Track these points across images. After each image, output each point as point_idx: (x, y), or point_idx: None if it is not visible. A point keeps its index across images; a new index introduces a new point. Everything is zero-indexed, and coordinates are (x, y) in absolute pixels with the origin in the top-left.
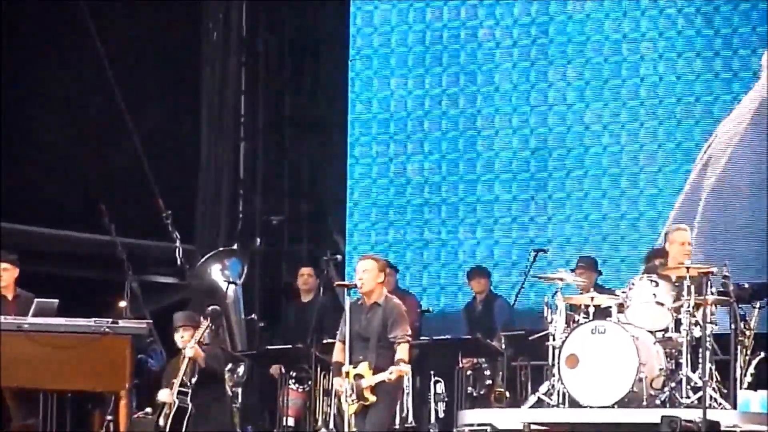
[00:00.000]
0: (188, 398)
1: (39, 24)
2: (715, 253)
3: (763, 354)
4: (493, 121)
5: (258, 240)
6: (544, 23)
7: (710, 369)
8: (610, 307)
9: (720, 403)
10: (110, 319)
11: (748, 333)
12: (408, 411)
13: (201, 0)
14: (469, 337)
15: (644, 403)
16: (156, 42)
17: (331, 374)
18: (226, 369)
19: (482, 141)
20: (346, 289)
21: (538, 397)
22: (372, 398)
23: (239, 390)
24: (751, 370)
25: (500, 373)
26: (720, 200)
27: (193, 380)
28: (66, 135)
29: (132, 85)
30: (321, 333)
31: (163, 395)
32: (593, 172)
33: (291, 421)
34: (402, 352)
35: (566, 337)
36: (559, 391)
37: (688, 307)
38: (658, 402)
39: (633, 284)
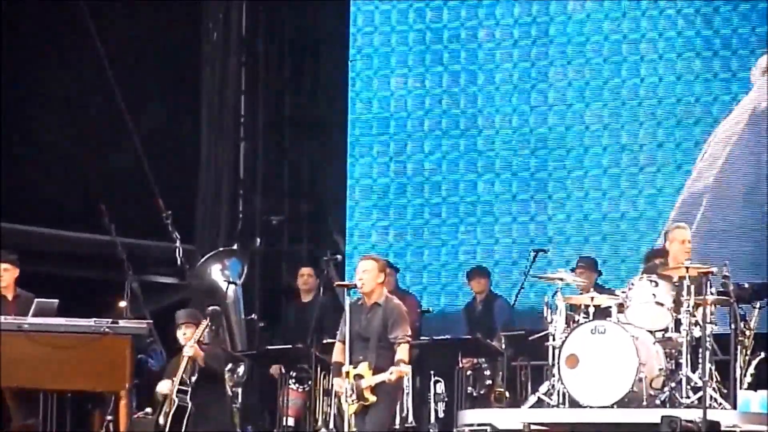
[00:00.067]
0: (188, 397)
1: (39, 24)
2: (715, 253)
3: (763, 354)
4: (494, 121)
5: (258, 240)
6: (544, 23)
7: (710, 369)
8: (610, 307)
9: (720, 403)
10: (110, 319)
11: (748, 333)
12: (408, 411)
13: (201, 0)
14: (469, 337)
15: (644, 403)
16: (156, 42)
17: (331, 374)
18: (226, 369)
19: (482, 141)
20: (346, 289)
21: (538, 397)
22: (372, 398)
23: (239, 390)
24: (751, 370)
25: (500, 373)
26: (719, 201)
27: (193, 379)
28: (66, 135)
29: (132, 85)
30: (321, 333)
31: (163, 387)
32: (593, 172)
33: (291, 421)
34: (402, 352)
35: (566, 337)
36: (559, 391)
37: (688, 307)
38: (658, 402)
39: (633, 284)
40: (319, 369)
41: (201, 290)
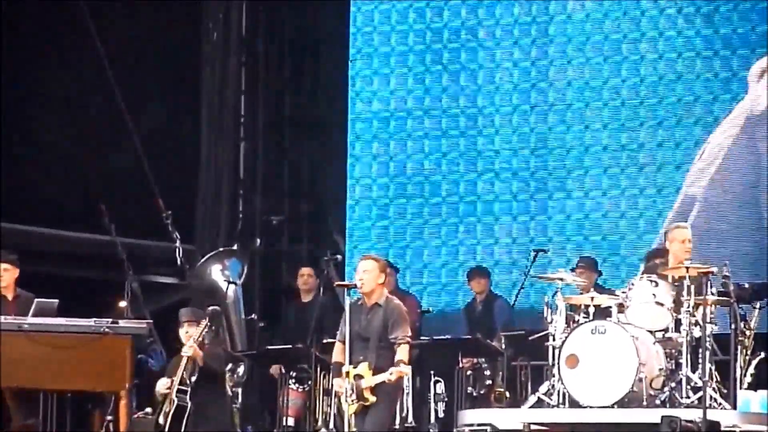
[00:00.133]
0: (187, 397)
1: (39, 24)
2: (715, 253)
3: (763, 354)
4: (494, 121)
5: (258, 240)
6: (544, 23)
7: (710, 369)
8: (610, 307)
9: (720, 403)
10: (110, 319)
11: (748, 333)
12: (408, 411)
13: (201, 0)
14: (469, 337)
15: (644, 403)
16: (156, 42)
17: (331, 374)
18: (227, 369)
19: (482, 140)
20: (346, 289)
21: (538, 397)
22: (372, 398)
23: (239, 390)
24: (751, 370)
25: (500, 373)
26: (718, 201)
27: (193, 379)
28: (66, 135)
29: (132, 85)
30: (321, 333)
31: (161, 385)
32: (593, 172)
33: (291, 421)
34: (402, 353)
35: (566, 337)
36: (559, 391)
37: (688, 307)
38: (658, 402)
39: (633, 284)
40: (319, 369)
41: (201, 290)
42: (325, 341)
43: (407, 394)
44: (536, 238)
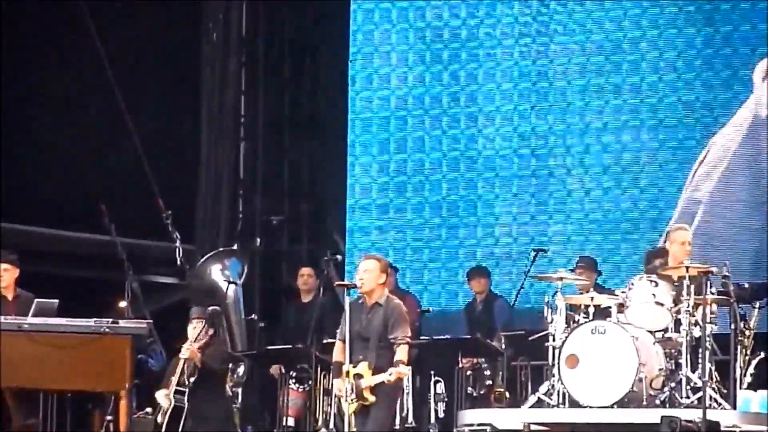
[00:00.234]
0: (185, 398)
1: (39, 24)
2: (715, 253)
3: (763, 354)
4: (494, 120)
5: (258, 240)
6: (545, 22)
7: (710, 369)
8: (610, 307)
9: (720, 404)
10: (110, 319)
11: (748, 333)
12: (408, 411)
13: (201, 0)
14: (469, 337)
15: (644, 403)
16: (156, 42)
17: (331, 374)
18: (226, 368)
19: (483, 139)
20: (346, 288)
21: (538, 397)
22: (371, 398)
23: (239, 390)
24: (751, 370)
25: (500, 373)
26: (721, 201)
27: (192, 379)
28: (66, 135)
29: (132, 85)
30: (321, 333)
31: (159, 396)
32: (594, 171)
33: (291, 421)
34: (401, 353)
35: (566, 337)
36: (559, 391)
37: (688, 307)
38: (657, 402)
39: (633, 284)
40: (319, 369)
41: (201, 290)
42: (325, 341)
43: (407, 394)
44: (536, 238)
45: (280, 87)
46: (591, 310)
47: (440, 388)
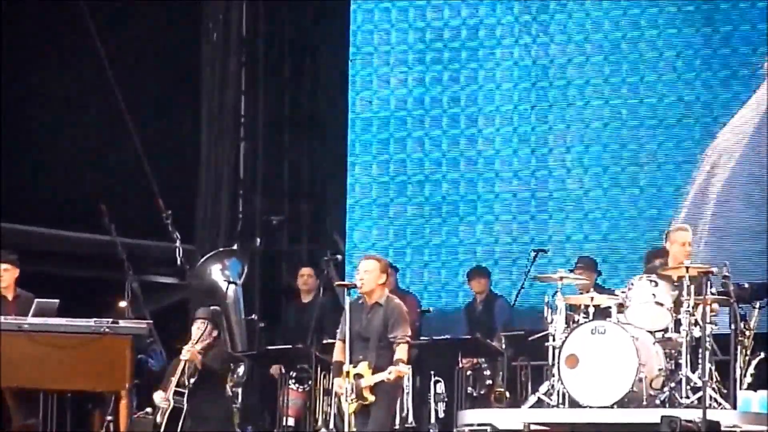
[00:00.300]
0: (184, 399)
1: (39, 24)
2: (722, 253)
3: (763, 354)
4: (494, 120)
5: (258, 240)
6: (545, 21)
7: (710, 369)
8: (610, 307)
9: (720, 404)
10: (110, 319)
11: (748, 333)
12: (408, 411)
13: (201, 0)
14: (469, 337)
15: (644, 403)
16: (156, 42)
17: (331, 374)
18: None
19: (483, 139)
20: (346, 288)
21: (538, 397)
22: (371, 398)
23: (239, 390)
24: (751, 370)
25: (500, 373)
26: (727, 201)
27: (192, 380)
28: (66, 135)
29: (132, 85)
30: (321, 333)
31: (157, 398)
32: (594, 171)
33: (291, 421)
34: (401, 352)
35: (566, 337)
36: (559, 391)
37: (688, 307)
38: (657, 402)
39: (632, 284)
40: (319, 369)
41: (201, 290)
42: (325, 341)
43: (407, 394)
44: (536, 238)
45: (280, 87)
46: (591, 310)
47: (440, 388)
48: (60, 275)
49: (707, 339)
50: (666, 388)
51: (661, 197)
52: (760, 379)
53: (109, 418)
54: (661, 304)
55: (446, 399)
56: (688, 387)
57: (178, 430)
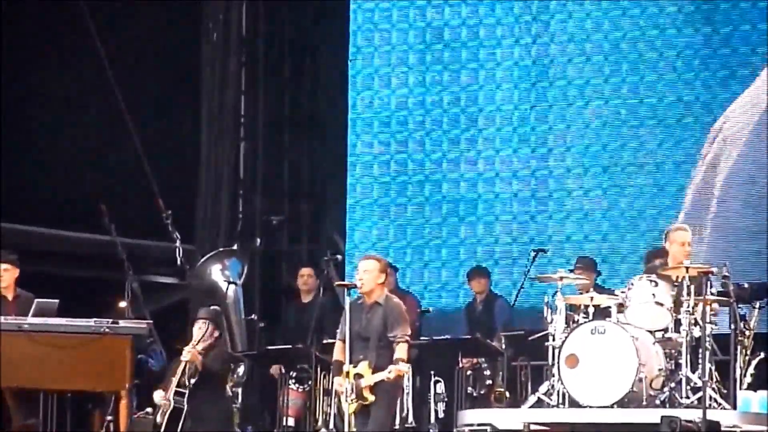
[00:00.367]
0: (185, 399)
1: (39, 24)
2: (722, 253)
3: (762, 354)
4: (494, 119)
5: (258, 240)
6: (545, 21)
7: (710, 369)
8: (610, 307)
9: (720, 404)
10: (110, 319)
11: (747, 333)
12: (408, 411)
13: (201, 0)
14: (469, 337)
15: (644, 403)
16: (156, 42)
17: (331, 374)
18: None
19: (483, 139)
20: (345, 289)
21: (538, 397)
22: (371, 397)
23: (239, 390)
24: (751, 370)
25: (500, 373)
26: (727, 201)
27: (192, 381)
28: (66, 135)
29: (132, 85)
30: (321, 333)
31: (157, 397)
32: (594, 171)
33: (291, 421)
34: (401, 351)
35: (566, 337)
36: (559, 391)
37: (688, 307)
38: (657, 402)
39: (632, 284)
40: (319, 369)
41: (201, 290)
42: (325, 341)
43: (407, 394)
44: (536, 238)
45: (280, 87)
46: (591, 310)
47: (440, 388)
48: (60, 275)
49: (707, 339)
50: (666, 388)
51: (661, 197)
52: (760, 379)
53: (109, 418)
54: (661, 304)
55: (446, 399)
56: (688, 387)
57: (178, 430)
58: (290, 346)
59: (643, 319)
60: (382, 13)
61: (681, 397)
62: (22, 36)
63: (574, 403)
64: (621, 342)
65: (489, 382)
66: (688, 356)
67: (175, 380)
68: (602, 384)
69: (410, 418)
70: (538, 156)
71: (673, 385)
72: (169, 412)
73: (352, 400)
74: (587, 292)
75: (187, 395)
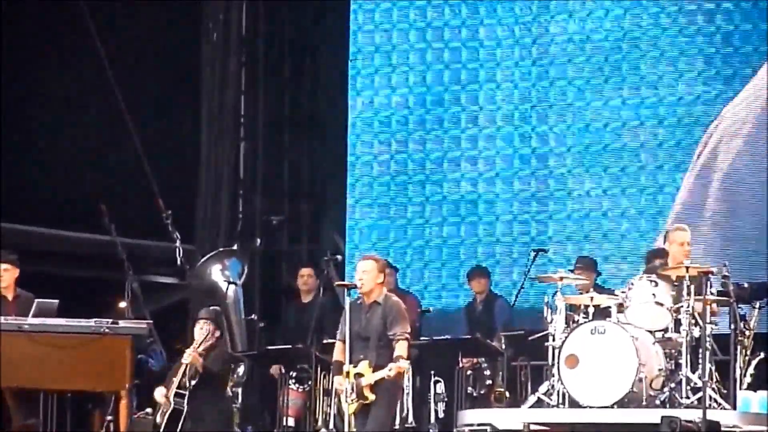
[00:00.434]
0: (185, 401)
1: (39, 24)
2: (722, 253)
3: (762, 354)
4: (495, 119)
5: (258, 240)
6: (545, 21)
7: (710, 369)
8: (610, 307)
9: (720, 404)
10: (110, 319)
11: (747, 333)
12: (408, 411)
13: (201, 0)
14: (469, 337)
15: (644, 403)
16: (156, 42)
17: (331, 374)
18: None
19: (483, 139)
20: (345, 289)
21: (538, 397)
22: (371, 397)
23: (239, 390)
24: (751, 370)
25: (500, 373)
26: (726, 201)
27: (193, 383)
28: (66, 135)
29: (132, 85)
30: (321, 333)
31: (158, 394)
32: (594, 171)
33: (291, 421)
34: (401, 349)
35: (566, 337)
36: (558, 391)
37: (688, 307)
38: (657, 402)
39: (632, 284)
40: (319, 369)
41: (201, 290)
42: (325, 341)
43: (407, 394)
44: (536, 238)
45: (280, 87)
46: (591, 310)
47: (440, 388)
48: (60, 275)
49: (707, 339)
50: (666, 388)
51: (662, 197)
52: (760, 379)
53: (109, 418)
54: (661, 304)
55: (446, 399)
56: (688, 387)
57: (178, 430)
58: (290, 346)
59: (643, 319)
60: (382, 13)
61: (681, 397)
62: (22, 36)
63: (574, 403)
64: (621, 342)
65: (489, 382)
66: (688, 356)
67: (176, 381)
68: (602, 384)
69: (410, 418)
70: (539, 156)
71: (673, 385)
72: (168, 412)
73: (352, 400)
74: (587, 292)
75: (187, 396)
